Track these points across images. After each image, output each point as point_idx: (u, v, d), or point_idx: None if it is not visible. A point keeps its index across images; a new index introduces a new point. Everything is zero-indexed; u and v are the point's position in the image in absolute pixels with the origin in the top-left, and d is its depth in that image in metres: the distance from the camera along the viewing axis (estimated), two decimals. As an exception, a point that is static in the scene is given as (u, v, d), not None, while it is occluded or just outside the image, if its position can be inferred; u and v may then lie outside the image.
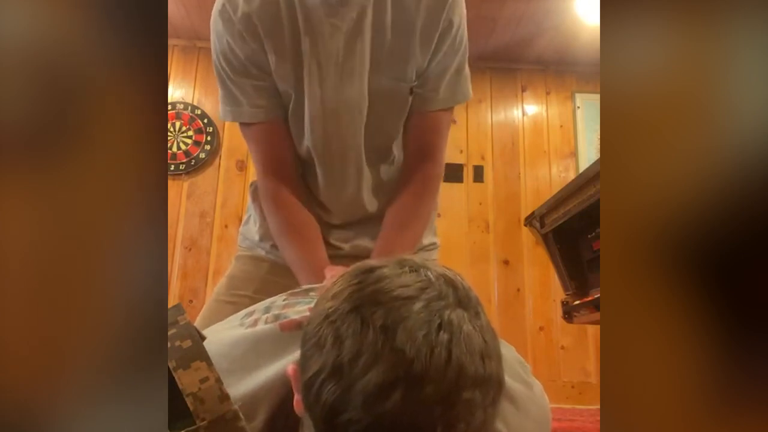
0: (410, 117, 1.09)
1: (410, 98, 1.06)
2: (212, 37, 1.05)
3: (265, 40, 0.99)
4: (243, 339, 0.72)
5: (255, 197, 1.20)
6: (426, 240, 1.20)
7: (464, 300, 0.51)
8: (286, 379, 0.63)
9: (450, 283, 0.51)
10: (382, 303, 0.48)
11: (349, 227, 1.14)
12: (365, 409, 0.45)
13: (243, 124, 1.09)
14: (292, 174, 1.09)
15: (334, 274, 0.84)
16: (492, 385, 0.48)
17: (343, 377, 0.46)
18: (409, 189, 1.08)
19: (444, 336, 0.47)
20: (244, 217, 1.25)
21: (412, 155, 1.11)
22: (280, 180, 1.07)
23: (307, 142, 1.07)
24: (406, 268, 0.52)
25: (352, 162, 1.08)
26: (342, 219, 1.14)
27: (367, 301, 0.48)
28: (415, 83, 1.04)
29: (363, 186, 1.11)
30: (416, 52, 1.01)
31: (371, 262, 0.55)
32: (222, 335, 0.75)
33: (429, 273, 0.51)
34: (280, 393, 0.65)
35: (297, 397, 0.54)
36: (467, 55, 1.09)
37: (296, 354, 0.56)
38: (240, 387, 0.66)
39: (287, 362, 0.65)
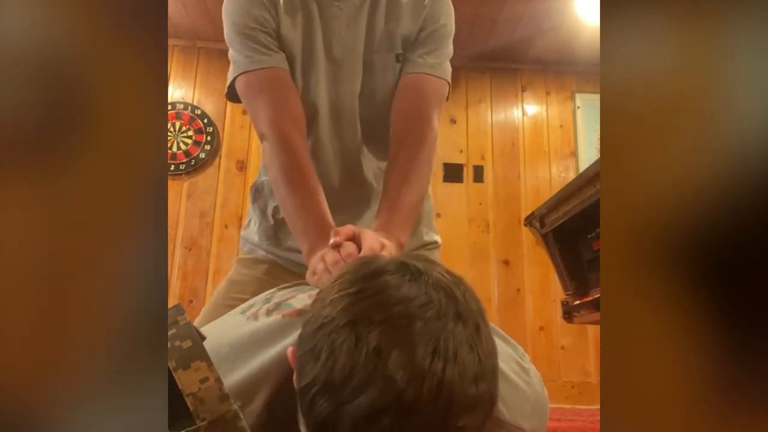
0: (401, 81, 1.14)
1: (397, 66, 1.14)
2: (226, 7, 1.12)
3: (283, 5, 1.10)
4: (244, 326, 0.73)
5: (255, 198, 1.21)
6: (427, 237, 1.20)
7: (464, 314, 0.50)
8: (285, 363, 0.63)
9: (450, 296, 0.51)
10: (377, 322, 0.48)
11: (347, 203, 1.14)
12: (354, 431, 0.46)
13: (250, 74, 1.08)
14: (302, 124, 1.09)
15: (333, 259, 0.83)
16: (483, 405, 0.49)
17: (335, 395, 0.47)
18: (405, 147, 1.08)
19: (438, 364, 0.47)
20: (245, 222, 1.25)
21: (404, 118, 1.11)
22: (292, 126, 1.06)
23: (312, 95, 1.12)
24: (407, 276, 0.52)
25: (349, 122, 1.14)
26: (341, 178, 1.15)
27: (364, 316, 0.48)
28: (401, 51, 1.15)
29: (361, 149, 1.15)
30: (404, 31, 1.14)
31: (373, 263, 0.54)
32: (223, 325, 0.76)
33: (429, 287, 0.51)
34: (279, 376, 0.65)
35: (296, 375, 0.54)
36: (450, 52, 1.18)
37: (295, 335, 0.56)
38: (240, 371, 0.67)
39: (286, 346, 0.66)
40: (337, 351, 0.47)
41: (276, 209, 1.15)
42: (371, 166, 1.17)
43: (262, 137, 1.08)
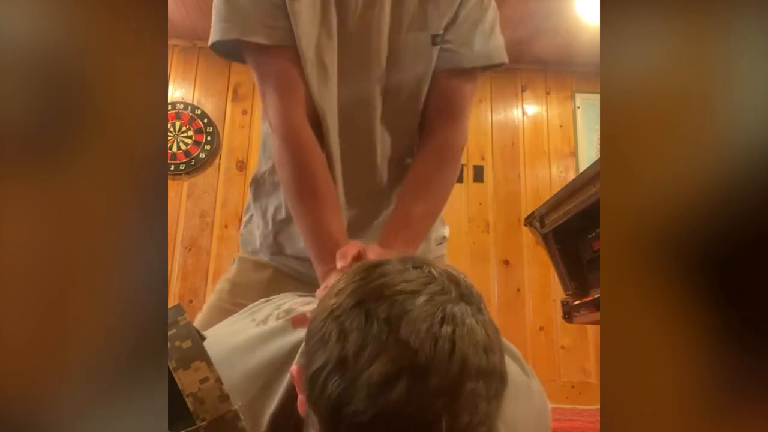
0: (436, 77, 1.00)
1: (434, 52, 0.98)
2: None
3: None
4: (253, 330, 0.73)
5: (256, 196, 1.12)
6: (435, 233, 1.13)
7: (467, 295, 0.51)
8: (290, 378, 0.63)
9: (453, 279, 0.52)
10: (385, 297, 0.48)
11: (356, 202, 1.04)
12: (370, 401, 0.45)
13: (256, 50, 0.94)
14: (312, 118, 0.96)
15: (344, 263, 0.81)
16: (495, 377, 0.49)
17: (348, 369, 0.46)
18: (430, 152, 1.00)
19: (447, 328, 0.47)
20: (245, 217, 1.17)
21: (436, 116, 1.01)
22: (304, 124, 0.94)
23: (316, 90, 0.97)
24: (410, 265, 0.52)
25: (363, 119, 1.00)
26: (350, 175, 1.02)
27: (371, 296, 0.49)
28: (441, 32, 0.98)
29: (377, 148, 1.02)
30: (441, 7, 0.97)
31: (374, 259, 0.55)
32: (231, 328, 0.76)
33: (432, 270, 0.52)
34: (284, 392, 0.65)
35: (301, 398, 0.54)
36: (498, 20, 1.03)
37: (302, 331, 0.56)
38: (246, 363, 0.67)
39: (292, 340, 0.66)
40: (348, 329, 0.47)
41: (276, 210, 1.07)
42: (387, 161, 1.05)
43: (272, 129, 0.97)
